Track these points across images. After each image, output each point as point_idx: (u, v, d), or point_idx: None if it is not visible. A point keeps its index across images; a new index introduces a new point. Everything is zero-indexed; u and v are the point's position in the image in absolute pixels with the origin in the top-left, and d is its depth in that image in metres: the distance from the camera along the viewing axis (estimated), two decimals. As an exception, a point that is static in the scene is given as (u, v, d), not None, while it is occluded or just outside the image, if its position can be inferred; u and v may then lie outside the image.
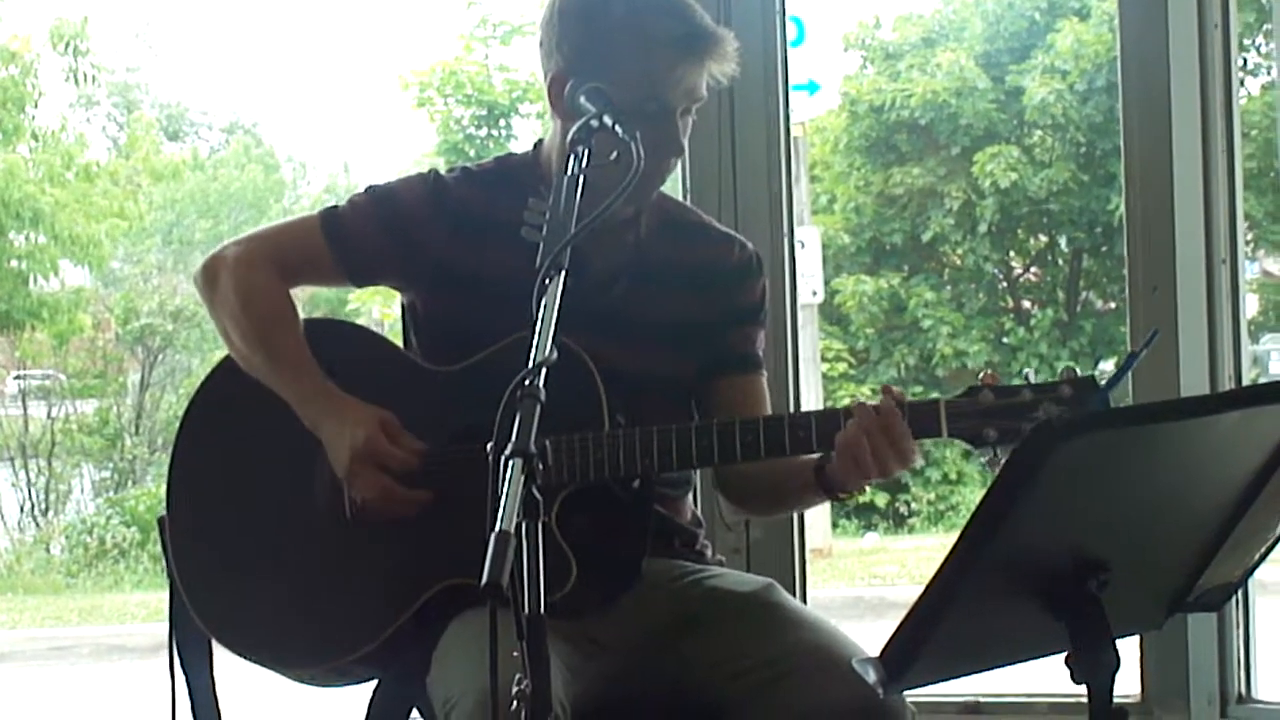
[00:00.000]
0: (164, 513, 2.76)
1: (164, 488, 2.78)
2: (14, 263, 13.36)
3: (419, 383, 2.67)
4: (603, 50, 2.58)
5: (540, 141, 2.80)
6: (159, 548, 2.78)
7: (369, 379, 2.65)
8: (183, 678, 2.75)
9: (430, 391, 2.65)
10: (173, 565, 2.72)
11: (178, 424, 2.81)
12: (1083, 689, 1.87)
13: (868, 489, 2.56)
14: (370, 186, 2.78)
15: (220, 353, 2.77)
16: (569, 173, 2.25)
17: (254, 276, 2.71)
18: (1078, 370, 2.44)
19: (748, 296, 2.79)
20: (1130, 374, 2.41)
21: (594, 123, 2.33)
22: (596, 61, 2.57)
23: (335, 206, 2.77)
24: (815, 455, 2.53)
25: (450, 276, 2.69)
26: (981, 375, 2.47)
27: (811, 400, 11.58)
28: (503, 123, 14.96)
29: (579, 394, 2.46)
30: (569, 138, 2.34)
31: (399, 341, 2.83)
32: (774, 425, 2.49)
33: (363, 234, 2.72)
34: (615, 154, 2.29)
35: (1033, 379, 2.44)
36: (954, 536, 1.77)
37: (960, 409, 2.43)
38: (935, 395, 2.46)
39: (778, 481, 2.68)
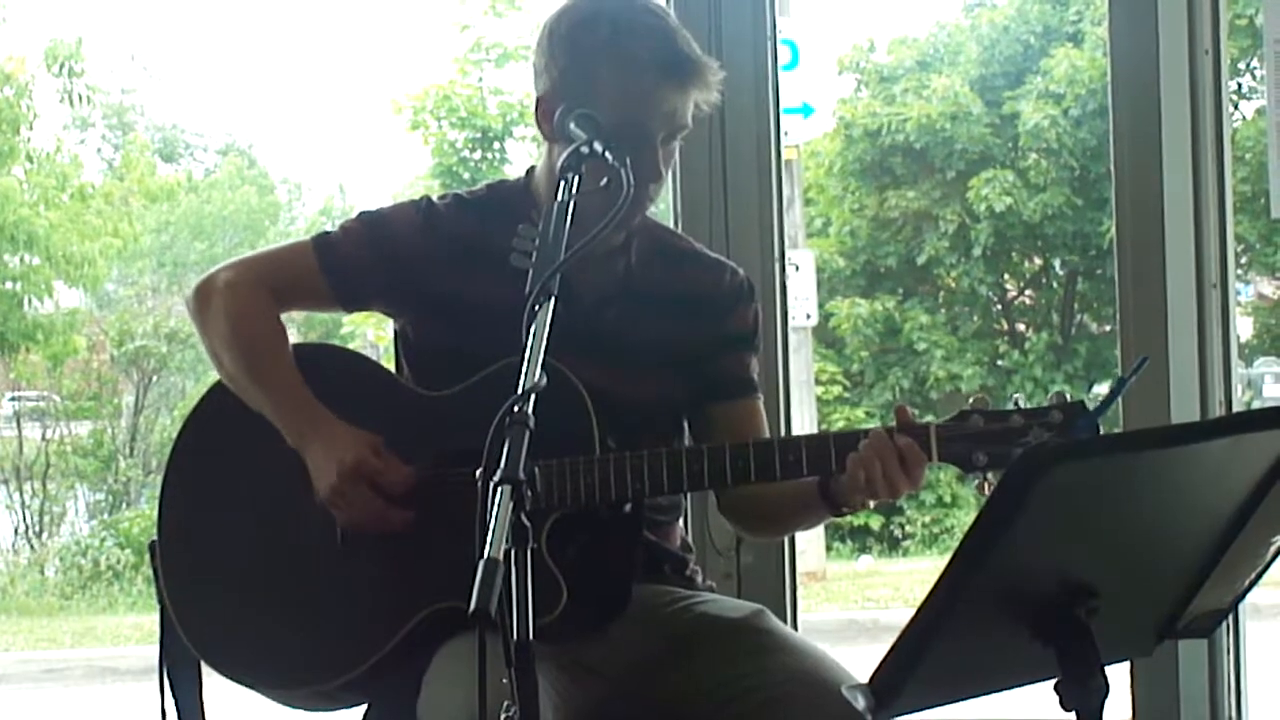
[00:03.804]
0: (155, 536, 2.76)
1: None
2: (8, 284, 13.33)
3: (410, 407, 2.67)
4: (587, 72, 2.58)
5: (532, 168, 2.80)
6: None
7: (360, 403, 2.65)
8: (172, 700, 2.75)
9: (421, 416, 2.65)
10: (163, 588, 2.72)
11: (170, 447, 2.81)
12: (1072, 716, 1.87)
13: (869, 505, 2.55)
14: (363, 212, 2.78)
15: (214, 376, 2.77)
16: (558, 199, 2.25)
17: (245, 300, 2.71)
18: (1068, 395, 2.45)
19: (739, 322, 2.79)
20: (1121, 398, 2.41)
21: (584, 149, 2.33)
22: (581, 83, 2.57)
23: (328, 231, 2.78)
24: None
25: (441, 303, 2.69)
26: (971, 399, 2.48)
27: (805, 423, 11.57)
28: (496, 146, 14.96)
29: (570, 418, 2.46)
30: (559, 164, 2.34)
31: (392, 366, 2.83)
32: (764, 450, 2.49)
33: (354, 259, 2.72)
34: (605, 180, 2.29)
35: (1023, 404, 2.45)
36: (948, 559, 1.77)
37: (950, 433, 2.44)
38: (929, 418, 2.46)
39: (782, 499, 2.67)
